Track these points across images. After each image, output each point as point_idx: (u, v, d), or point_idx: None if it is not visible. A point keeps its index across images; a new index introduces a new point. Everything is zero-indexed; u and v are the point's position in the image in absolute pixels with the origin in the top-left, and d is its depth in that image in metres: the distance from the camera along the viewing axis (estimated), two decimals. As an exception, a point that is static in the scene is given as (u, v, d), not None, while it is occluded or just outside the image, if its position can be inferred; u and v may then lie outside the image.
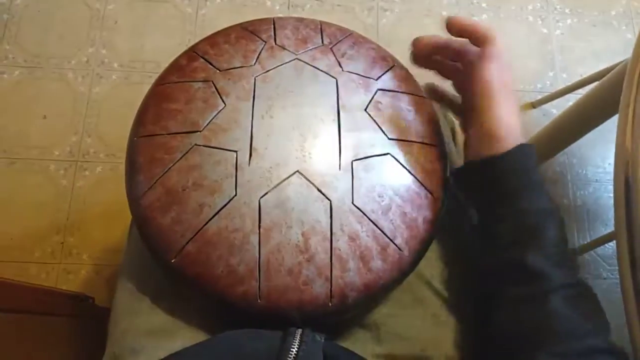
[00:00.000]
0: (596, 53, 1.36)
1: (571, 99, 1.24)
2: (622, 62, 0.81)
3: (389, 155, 0.44)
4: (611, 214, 0.55)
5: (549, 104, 1.28)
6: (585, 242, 1.14)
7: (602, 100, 0.83)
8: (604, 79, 0.82)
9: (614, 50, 1.36)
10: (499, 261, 0.42)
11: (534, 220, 0.40)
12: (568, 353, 0.36)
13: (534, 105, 1.29)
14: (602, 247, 1.16)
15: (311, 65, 0.47)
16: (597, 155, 1.26)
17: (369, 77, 0.48)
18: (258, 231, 0.40)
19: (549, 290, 0.38)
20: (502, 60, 0.43)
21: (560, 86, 1.26)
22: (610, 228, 1.16)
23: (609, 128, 0.81)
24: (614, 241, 0.49)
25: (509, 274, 0.41)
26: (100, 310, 0.98)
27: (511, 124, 0.42)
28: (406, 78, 0.50)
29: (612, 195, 0.49)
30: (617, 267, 0.48)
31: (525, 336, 0.39)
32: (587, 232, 1.19)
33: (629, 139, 0.49)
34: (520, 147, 0.41)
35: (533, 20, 1.39)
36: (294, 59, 0.47)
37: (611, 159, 0.51)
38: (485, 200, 0.44)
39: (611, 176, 0.50)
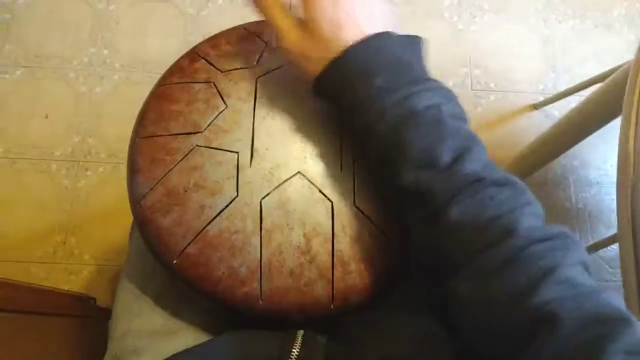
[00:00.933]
0: (598, 54, 1.36)
1: (573, 101, 1.24)
2: (624, 63, 0.81)
3: (390, 157, 0.44)
4: (613, 216, 0.55)
5: (551, 105, 1.28)
6: (588, 245, 1.14)
7: (604, 102, 0.83)
8: (607, 80, 0.82)
9: (616, 51, 1.36)
10: (387, 189, 0.36)
11: (385, 130, 0.34)
12: (478, 271, 0.30)
13: (536, 106, 1.29)
14: (604, 249, 1.15)
15: (313, 66, 0.47)
16: (598, 157, 1.26)
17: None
18: (259, 232, 0.40)
19: (440, 204, 0.32)
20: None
21: (562, 88, 1.26)
22: (613, 230, 1.15)
23: (609, 129, 0.81)
24: (617, 243, 0.49)
25: (400, 200, 0.35)
26: (102, 310, 0.98)
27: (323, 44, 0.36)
28: None
29: (614, 197, 0.49)
30: (619, 270, 0.48)
31: (437, 266, 0.33)
32: (589, 235, 1.19)
33: (632, 141, 0.49)
34: (336, 63, 0.36)
35: (535, 21, 1.39)
36: (296, 60, 0.47)
37: (612, 161, 0.51)
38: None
39: (612, 178, 0.50)
